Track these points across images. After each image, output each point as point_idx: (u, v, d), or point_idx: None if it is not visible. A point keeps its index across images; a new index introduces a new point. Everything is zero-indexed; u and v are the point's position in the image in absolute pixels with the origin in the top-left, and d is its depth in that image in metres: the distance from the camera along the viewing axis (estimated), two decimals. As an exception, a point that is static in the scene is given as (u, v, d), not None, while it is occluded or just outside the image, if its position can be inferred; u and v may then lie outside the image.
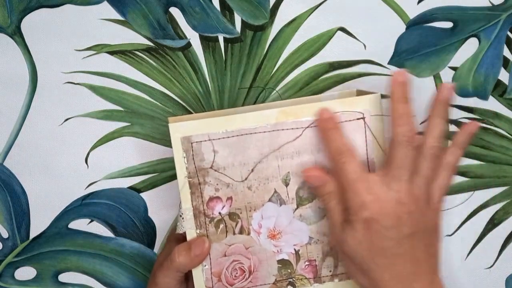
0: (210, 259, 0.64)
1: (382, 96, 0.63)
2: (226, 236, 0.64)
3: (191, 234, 0.64)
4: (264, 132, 0.63)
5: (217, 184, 0.63)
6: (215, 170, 0.63)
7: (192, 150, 0.63)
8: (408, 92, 0.60)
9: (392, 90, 0.60)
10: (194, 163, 0.63)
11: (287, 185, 0.64)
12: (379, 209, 0.58)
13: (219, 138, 0.63)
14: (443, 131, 0.60)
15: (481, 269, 0.73)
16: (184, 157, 0.63)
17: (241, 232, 0.64)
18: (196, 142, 0.63)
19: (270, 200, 0.64)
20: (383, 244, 0.58)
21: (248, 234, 0.64)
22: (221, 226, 0.64)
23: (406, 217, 0.58)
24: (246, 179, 0.63)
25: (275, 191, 0.64)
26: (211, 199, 0.63)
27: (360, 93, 0.67)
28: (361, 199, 0.58)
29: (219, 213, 0.64)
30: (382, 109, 0.63)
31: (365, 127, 0.63)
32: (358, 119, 0.63)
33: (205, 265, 0.64)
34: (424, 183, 0.59)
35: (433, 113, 0.60)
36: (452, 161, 0.61)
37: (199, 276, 0.64)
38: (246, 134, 0.63)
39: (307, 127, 0.63)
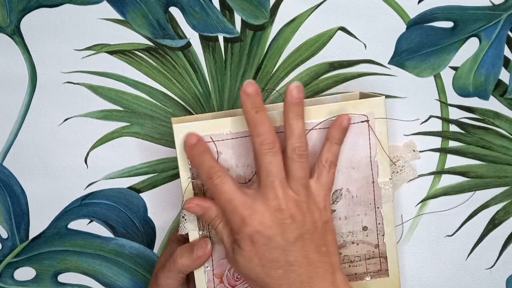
0: (212, 260, 0.64)
1: (386, 97, 0.63)
2: None
3: (193, 235, 0.64)
4: None
5: None
6: None
7: None
8: (259, 101, 0.59)
9: (242, 101, 0.59)
10: None
11: None
12: (260, 221, 0.57)
13: (223, 140, 0.62)
14: (302, 129, 0.59)
15: (481, 270, 0.73)
16: (188, 158, 0.63)
17: None
18: None
19: None
20: (272, 255, 0.57)
21: None
22: None
23: (289, 222, 0.57)
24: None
25: None
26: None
27: (363, 95, 0.67)
28: (240, 216, 0.58)
29: None
30: (386, 112, 0.63)
31: (369, 130, 0.63)
32: (362, 121, 0.63)
33: (207, 267, 0.64)
34: (299, 185, 0.59)
35: (287, 115, 0.60)
36: (328, 157, 0.61)
37: (200, 277, 0.64)
38: (250, 135, 0.62)
39: (311, 129, 0.63)
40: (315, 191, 0.60)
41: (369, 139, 0.63)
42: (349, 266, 0.65)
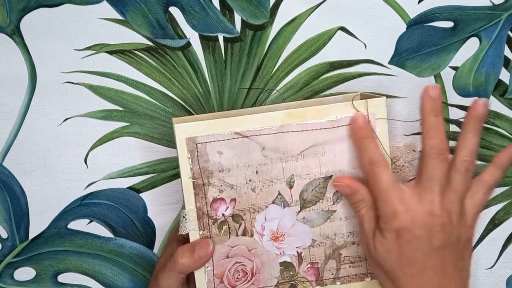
0: (212, 260, 0.64)
1: (386, 97, 0.63)
2: (229, 238, 0.64)
3: (194, 235, 0.64)
4: (269, 134, 0.62)
5: (221, 186, 0.63)
6: (220, 172, 0.63)
7: (197, 151, 0.62)
8: (440, 106, 0.60)
9: (423, 103, 0.60)
10: (199, 164, 0.63)
11: (291, 187, 0.63)
12: (411, 220, 0.58)
13: (224, 140, 0.62)
14: (476, 146, 0.60)
15: (481, 270, 0.73)
16: (189, 158, 0.63)
17: (244, 234, 0.64)
18: (201, 143, 0.62)
19: (273, 202, 0.64)
20: (413, 254, 0.58)
21: (251, 236, 0.64)
22: (224, 227, 0.64)
23: (438, 229, 0.58)
24: (250, 180, 0.63)
25: (279, 193, 0.63)
26: (215, 200, 0.63)
27: (364, 96, 0.67)
28: (393, 208, 0.58)
29: (223, 214, 0.64)
30: (387, 112, 0.63)
31: (370, 131, 0.63)
32: None
33: (208, 267, 0.64)
34: (457, 197, 0.59)
35: (466, 129, 0.60)
36: (489, 180, 0.61)
37: (201, 277, 0.64)
38: (251, 135, 0.62)
39: (312, 129, 0.63)
40: (467, 207, 0.60)
41: None
42: (350, 266, 0.65)
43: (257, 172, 0.63)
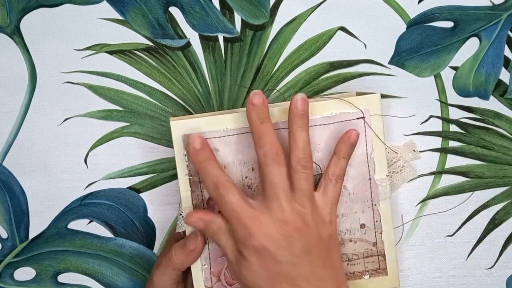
0: (209, 258, 0.64)
1: (382, 96, 0.63)
2: None
3: (190, 233, 0.64)
4: None
5: None
6: None
7: None
8: (265, 112, 0.59)
9: (248, 112, 0.59)
10: None
11: None
12: (266, 234, 0.57)
13: (220, 136, 0.62)
14: (306, 141, 0.59)
15: (482, 270, 0.73)
16: (185, 155, 0.63)
17: None
18: None
19: None
20: (279, 268, 0.57)
21: None
22: None
23: (295, 236, 0.57)
24: (246, 177, 0.63)
25: None
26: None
27: (360, 95, 0.67)
28: (246, 228, 0.57)
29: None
30: (382, 108, 0.63)
31: (365, 127, 0.63)
32: (358, 118, 0.63)
33: (205, 265, 0.64)
34: (304, 197, 0.58)
35: (291, 127, 0.60)
36: (335, 171, 0.61)
37: (198, 275, 0.64)
38: (247, 132, 0.62)
39: (308, 126, 0.62)
40: (320, 204, 0.60)
41: (365, 135, 0.63)
42: (348, 264, 0.65)
43: (253, 169, 0.63)
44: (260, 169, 0.59)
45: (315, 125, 0.63)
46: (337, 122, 0.63)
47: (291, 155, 0.59)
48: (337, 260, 0.60)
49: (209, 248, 0.64)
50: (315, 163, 0.63)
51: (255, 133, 0.59)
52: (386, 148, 0.64)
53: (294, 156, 0.59)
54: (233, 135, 0.63)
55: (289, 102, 0.61)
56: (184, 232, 0.64)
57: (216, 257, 0.64)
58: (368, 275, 0.66)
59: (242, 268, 0.58)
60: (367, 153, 0.64)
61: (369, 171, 0.64)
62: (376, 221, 0.65)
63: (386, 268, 0.66)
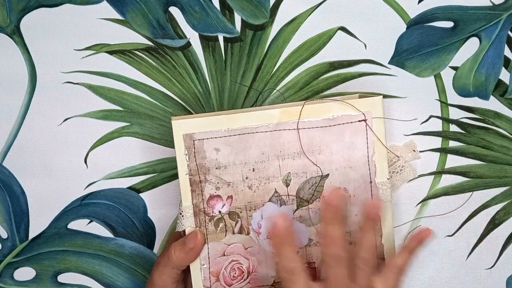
0: (208, 258, 0.64)
1: (384, 96, 0.63)
2: (226, 235, 0.64)
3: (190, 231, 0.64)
4: (266, 131, 0.63)
5: (217, 183, 0.63)
6: (216, 169, 0.63)
7: (194, 148, 0.62)
8: (339, 214, 0.59)
9: (322, 212, 0.60)
10: (196, 161, 0.63)
11: (287, 185, 0.63)
12: None
13: (221, 137, 0.62)
14: (374, 242, 0.60)
15: (482, 270, 0.73)
16: (186, 155, 0.63)
17: (240, 232, 0.64)
18: (199, 139, 0.62)
19: (270, 200, 0.64)
20: None
21: (248, 234, 0.64)
22: (221, 225, 0.64)
23: None
24: (247, 178, 0.63)
25: (276, 191, 0.63)
26: (212, 197, 0.63)
27: (362, 97, 0.67)
28: None
29: (219, 211, 0.64)
30: (384, 111, 0.63)
31: (366, 129, 0.63)
32: (359, 121, 0.63)
33: (204, 264, 0.64)
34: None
35: (363, 228, 0.61)
36: (400, 264, 0.62)
37: (197, 275, 0.64)
38: (248, 133, 0.62)
39: (309, 127, 0.63)
40: None
41: (367, 138, 0.63)
42: None
43: (253, 170, 0.63)
44: (324, 266, 0.61)
45: (317, 127, 0.63)
46: (339, 124, 0.63)
47: (358, 252, 0.60)
48: None
49: (208, 248, 0.64)
50: (316, 165, 0.63)
51: (326, 232, 0.60)
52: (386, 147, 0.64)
53: (360, 254, 0.60)
54: (235, 135, 0.63)
55: (291, 103, 0.62)
56: (184, 231, 0.64)
57: (215, 257, 0.64)
58: (368, 277, 0.66)
59: None
60: (368, 156, 0.63)
61: (370, 174, 0.64)
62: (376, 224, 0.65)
63: None
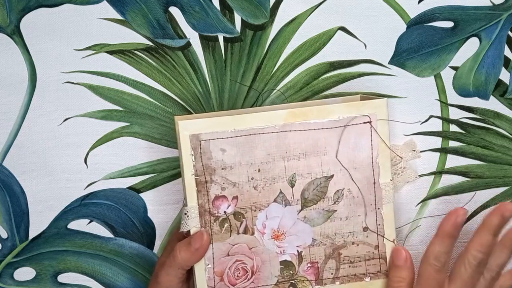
0: (213, 258, 0.64)
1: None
2: (230, 236, 0.64)
3: (195, 232, 0.64)
4: (272, 132, 0.63)
5: (223, 183, 0.63)
6: (222, 169, 0.63)
7: (200, 148, 0.63)
8: (502, 226, 0.63)
9: (490, 218, 0.63)
10: (202, 161, 0.63)
11: (292, 186, 0.64)
12: None
13: (227, 137, 0.63)
14: (488, 242, 0.63)
15: (482, 270, 0.73)
16: (192, 155, 0.63)
17: (245, 232, 0.64)
18: (205, 140, 0.62)
19: (275, 200, 0.64)
20: None
21: (252, 234, 0.64)
22: (226, 225, 0.64)
23: None
24: (252, 178, 0.63)
25: (281, 192, 0.64)
26: (217, 197, 0.63)
27: (364, 98, 0.67)
28: None
29: (224, 212, 0.64)
30: (388, 113, 0.63)
31: (371, 131, 0.63)
32: (364, 123, 0.63)
33: (208, 264, 0.64)
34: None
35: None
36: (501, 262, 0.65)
37: (201, 275, 0.64)
38: (254, 134, 0.63)
39: (315, 129, 0.63)
40: None
41: (371, 140, 0.64)
42: (349, 266, 0.65)
43: (259, 170, 0.63)
44: (421, 265, 0.65)
45: (322, 128, 0.63)
46: (344, 126, 0.63)
47: (469, 247, 0.64)
48: None
49: (213, 248, 0.64)
50: (320, 166, 0.64)
51: (482, 235, 0.64)
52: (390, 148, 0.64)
53: (471, 251, 0.64)
54: (241, 136, 0.63)
55: (294, 103, 0.64)
56: (188, 231, 0.64)
57: (220, 257, 0.64)
58: (369, 277, 0.66)
59: None
60: (372, 157, 0.64)
61: (373, 175, 0.64)
62: (379, 225, 0.65)
63: (387, 271, 0.66)
